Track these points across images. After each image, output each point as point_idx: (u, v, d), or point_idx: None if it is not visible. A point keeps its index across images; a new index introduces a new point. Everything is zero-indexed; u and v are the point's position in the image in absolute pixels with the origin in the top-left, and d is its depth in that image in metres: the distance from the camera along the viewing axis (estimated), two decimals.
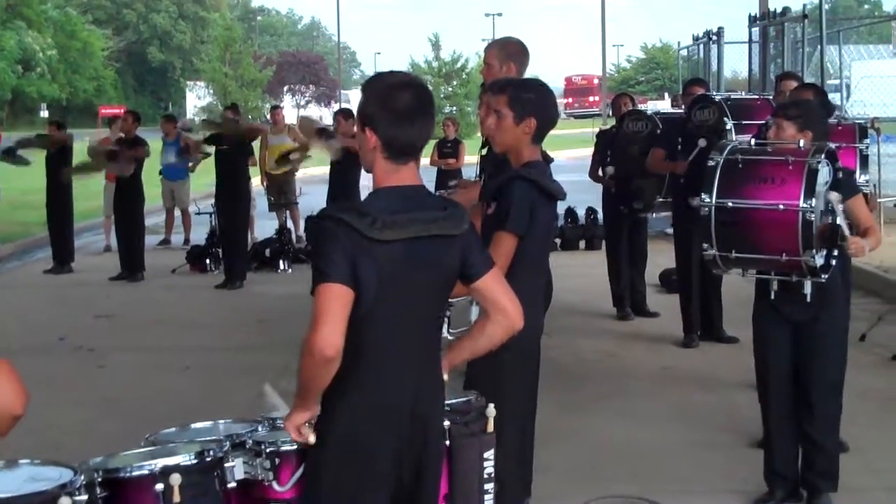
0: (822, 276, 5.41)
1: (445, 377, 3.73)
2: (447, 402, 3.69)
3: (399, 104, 3.40)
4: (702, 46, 21.34)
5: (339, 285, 3.24)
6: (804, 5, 17.33)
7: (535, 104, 4.66)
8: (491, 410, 4.01)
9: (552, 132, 4.83)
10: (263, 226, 16.82)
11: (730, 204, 5.47)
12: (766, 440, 5.90)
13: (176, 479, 3.58)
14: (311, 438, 3.43)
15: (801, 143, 5.43)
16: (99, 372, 9.24)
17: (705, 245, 5.59)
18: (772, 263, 5.50)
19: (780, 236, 5.35)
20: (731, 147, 5.64)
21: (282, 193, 16.67)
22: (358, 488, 3.39)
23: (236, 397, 7.65)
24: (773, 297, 5.63)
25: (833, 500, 5.69)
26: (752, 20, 19.32)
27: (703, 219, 5.55)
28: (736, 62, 21.30)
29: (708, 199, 5.51)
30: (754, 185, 5.45)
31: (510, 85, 4.87)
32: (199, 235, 15.92)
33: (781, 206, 5.33)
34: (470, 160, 17.99)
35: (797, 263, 5.37)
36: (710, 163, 5.58)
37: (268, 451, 3.79)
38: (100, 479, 3.63)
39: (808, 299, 5.51)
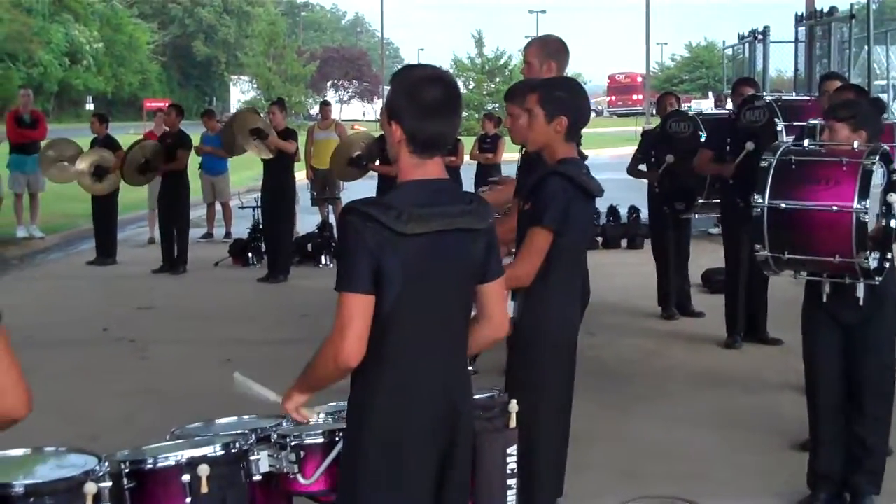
0: (877, 278, 5.34)
1: None
2: None
3: (426, 98, 3.37)
4: (747, 45, 21.16)
5: (362, 296, 3.28)
6: (851, 5, 17.13)
7: (567, 102, 4.64)
8: (514, 406, 3.99)
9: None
10: (306, 220, 16.86)
11: (783, 205, 5.39)
12: (813, 442, 5.84)
13: (204, 469, 3.58)
14: (313, 419, 3.59)
15: (856, 144, 5.36)
16: (140, 363, 9.30)
17: (757, 246, 5.51)
18: (825, 265, 5.42)
19: (833, 238, 5.27)
20: (785, 148, 5.57)
21: (325, 188, 16.71)
22: (396, 482, 3.38)
23: (277, 390, 7.65)
24: (824, 299, 5.56)
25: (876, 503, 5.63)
26: (799, 19, 19.16)
27: (755, 220, 5.49)
28: (781, 62, 21.11)
29: (760, 200, 5.44)
30: (808, 187, 5.37)
31: (542, 84, 4.86)
32: (240, 229, 15.97)
33: (835, 208, 5.26)
34: (510, 157, 17.98)
35: (850, 265, 5.30)
36: (763, 163, 5.50)
37: (293, 444, 3.80)
38: (127, 471, 3.63)
39: (861, 302, 5.44)
